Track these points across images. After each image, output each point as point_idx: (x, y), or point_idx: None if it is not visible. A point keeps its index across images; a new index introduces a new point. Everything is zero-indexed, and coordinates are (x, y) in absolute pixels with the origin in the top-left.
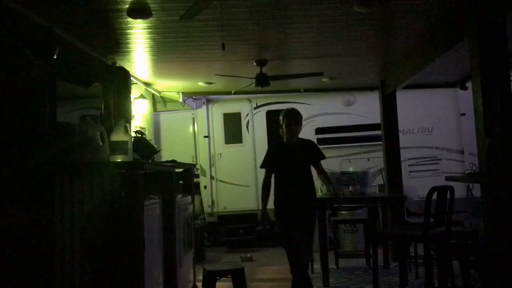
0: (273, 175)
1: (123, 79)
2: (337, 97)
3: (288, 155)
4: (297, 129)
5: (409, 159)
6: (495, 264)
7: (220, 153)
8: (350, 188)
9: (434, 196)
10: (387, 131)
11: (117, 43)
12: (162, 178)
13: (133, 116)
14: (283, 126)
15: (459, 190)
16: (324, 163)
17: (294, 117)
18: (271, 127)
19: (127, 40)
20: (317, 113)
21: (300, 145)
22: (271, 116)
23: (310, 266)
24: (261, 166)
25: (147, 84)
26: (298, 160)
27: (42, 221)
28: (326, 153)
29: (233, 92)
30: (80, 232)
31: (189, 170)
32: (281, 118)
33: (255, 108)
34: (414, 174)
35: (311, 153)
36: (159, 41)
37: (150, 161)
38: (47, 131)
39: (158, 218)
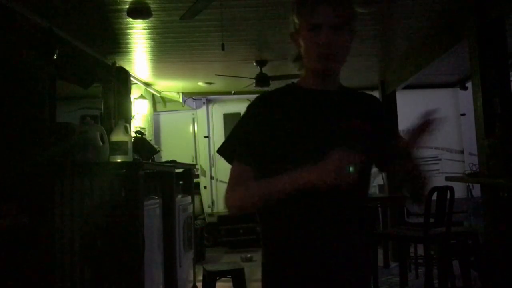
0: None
1: (123, 79)
2: None
3: (319, 123)
4: (344, 41)
5: None
6: (495, 264)
7: None
8: None
9: (434, 196)
10: None
11: (117, 43)
12: (162, 178)
13: (133, 116)
14: (302, 29)
15: (459, 190)
16: None
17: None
18: None
19: (127, 40)
20: None
21: (349, 100)
22: None
23: None
24: (221, 151)
25: (147, 84)
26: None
27: (42, 221)
28: None
29: (233, 92)
30: (80, 232)
31: (189, 170)
32: (294, 5)
33: None
34: None
35: (381, 129)
36: (159, 41)
37: (150, 161)
38: (47, 131)
39: (158, 218)
